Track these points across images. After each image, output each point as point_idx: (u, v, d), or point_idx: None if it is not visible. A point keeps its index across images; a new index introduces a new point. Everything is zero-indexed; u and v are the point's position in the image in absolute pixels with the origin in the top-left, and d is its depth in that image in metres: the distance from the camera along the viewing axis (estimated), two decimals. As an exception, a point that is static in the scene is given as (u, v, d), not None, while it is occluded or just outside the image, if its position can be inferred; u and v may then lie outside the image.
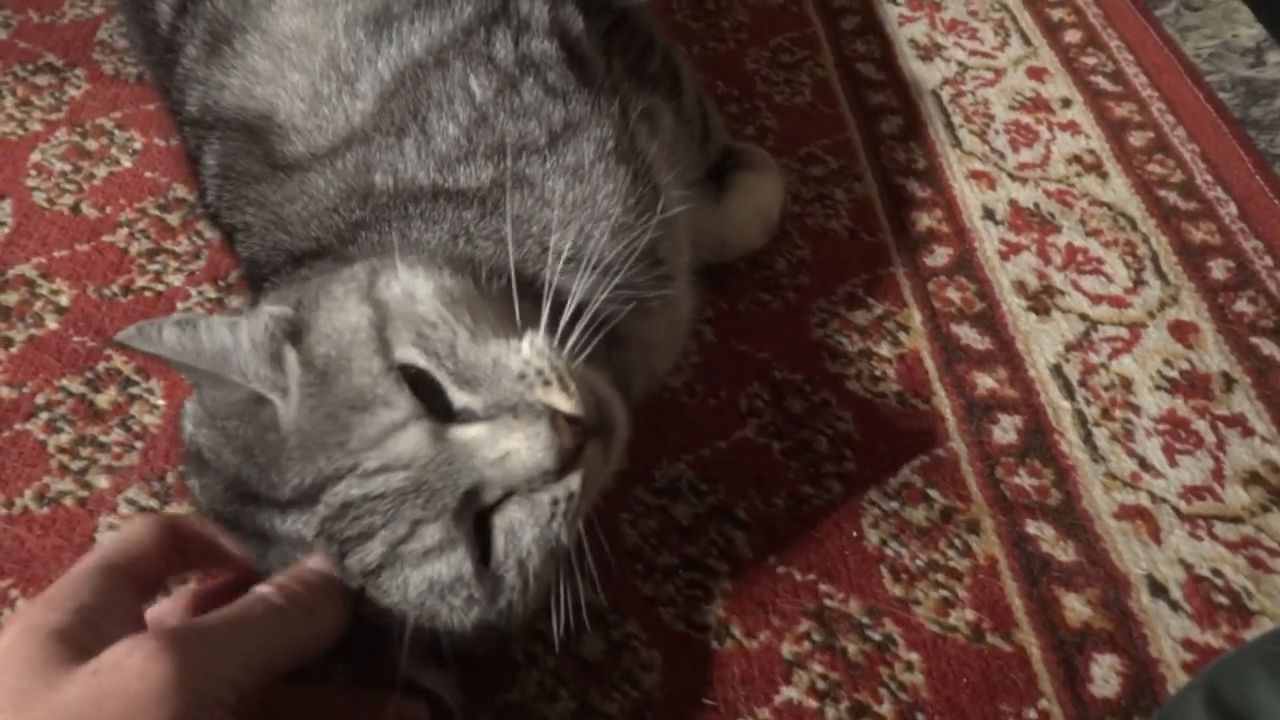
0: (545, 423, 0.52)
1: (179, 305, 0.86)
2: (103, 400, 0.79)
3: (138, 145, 0.99)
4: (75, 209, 0.93)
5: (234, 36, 0.74)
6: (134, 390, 0.80)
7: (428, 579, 0.51)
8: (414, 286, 0.56)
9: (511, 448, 0.51)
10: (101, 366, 0.81)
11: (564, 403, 0.53)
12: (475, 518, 0.53)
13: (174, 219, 0.93)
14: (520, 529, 0.53)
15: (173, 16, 0.80)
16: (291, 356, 0.54)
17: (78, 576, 0.48)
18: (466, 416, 0.53)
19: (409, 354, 0.53)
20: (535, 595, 0.55)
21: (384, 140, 0.66)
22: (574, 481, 0.53)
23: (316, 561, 0.52)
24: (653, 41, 0.86)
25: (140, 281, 0.87)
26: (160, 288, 0.87)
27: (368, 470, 0.50)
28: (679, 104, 0.86)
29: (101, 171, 0.96)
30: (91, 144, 0.99)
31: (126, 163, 0.97)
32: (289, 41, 0.71)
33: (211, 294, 0.87)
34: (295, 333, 0.55)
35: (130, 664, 0.42)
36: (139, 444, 0.76)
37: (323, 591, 0.51)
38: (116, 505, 0.73)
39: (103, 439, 0.76)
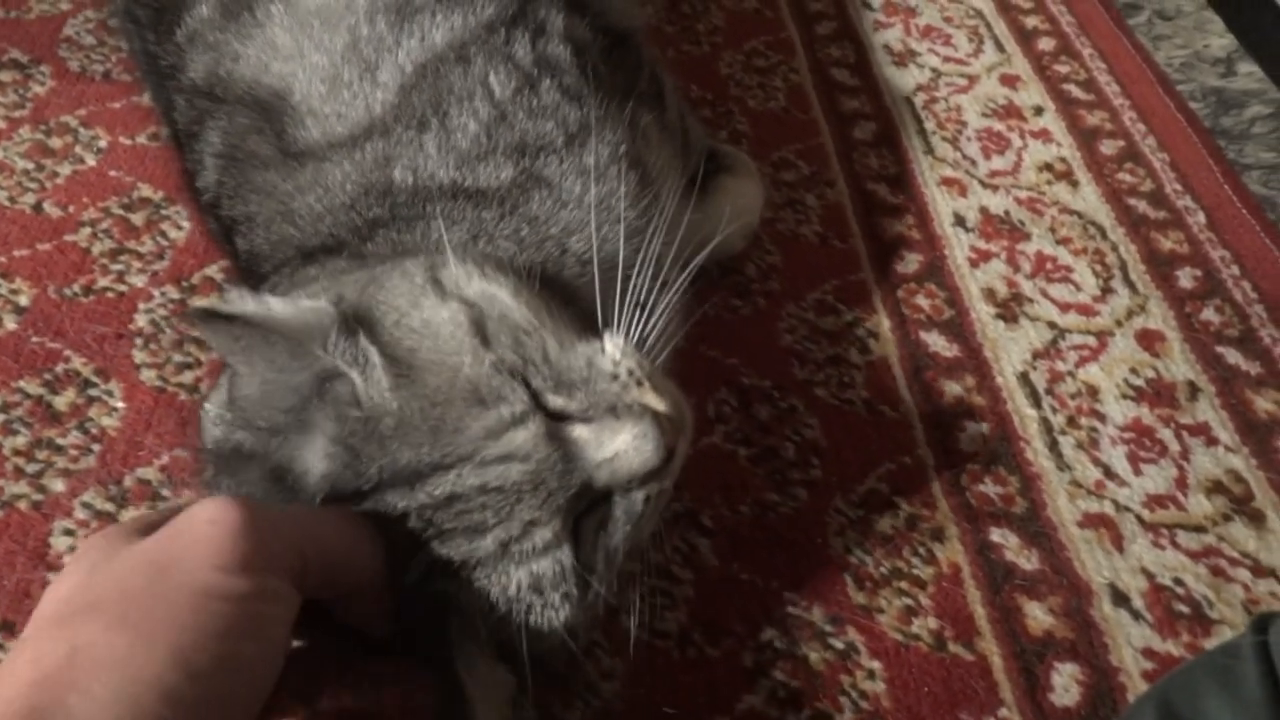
0: (649, 422, 0.52)
1: (141, 306, 0.84)
2: (60, 402, 0.78)
3: (102, 143, 0.98)
4: (37, 208, 0.92)
5: (256, 2, 0.72)
6: (93, 392, 0.78)
7: (532, 575, 0.51)
8: (490, 289, 0.56)
9: (619, 449, 0.52)
10: (60, 368, 0.80)
11: (658, 402, 0.54)
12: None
13: (138, 219, 0.91)
14: (614, 526, 0.54)
15: None
16: (367, 343, 0.52)
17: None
18: (563, 418, 0.53)
19: (509, 358, 0.53)
20: (611, 591, 0.56)
21: (404, 134, 0.65)
22: (668, 479, 0.54)
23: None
24: (642, 59, 0.86)
25: (102, 282, 0.86)
26: (123, 288, 0.86)
27: (487, 459, 0.50)
28: (663, 117, 0.86)
29: (65, 170, 0.95)
30: (55, 142, 0.97)
31: (91, 161, 0.96)
32: (312, 18, 0.69)
33: (175, 295, 0.86)
34: (360, 324, 0.54)
35: (202, 512, 0.43)
36: (96, 447, 0.75)
37: (361, 520, 0.50)
38: (72, 509, 0.72)
39: (60, 441, 0.75)
